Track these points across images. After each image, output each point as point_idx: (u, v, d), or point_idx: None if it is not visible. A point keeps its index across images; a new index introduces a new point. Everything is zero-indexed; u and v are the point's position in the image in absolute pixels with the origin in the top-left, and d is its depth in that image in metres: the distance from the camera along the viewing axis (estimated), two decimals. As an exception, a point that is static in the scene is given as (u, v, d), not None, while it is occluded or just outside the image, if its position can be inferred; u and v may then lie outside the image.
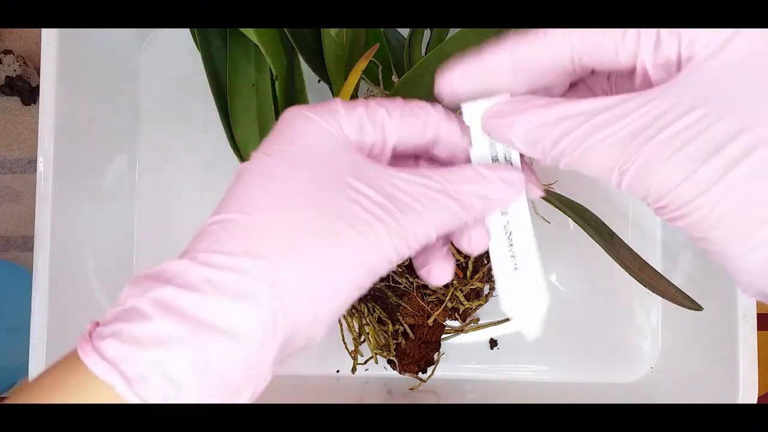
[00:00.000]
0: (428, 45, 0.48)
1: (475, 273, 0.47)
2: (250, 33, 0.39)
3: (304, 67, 0.45)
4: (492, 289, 0.50)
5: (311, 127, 0.25)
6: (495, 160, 0.27)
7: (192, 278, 0.23)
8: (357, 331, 0.50)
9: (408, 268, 0.47)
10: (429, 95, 0.40)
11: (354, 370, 0.50)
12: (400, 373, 0.49)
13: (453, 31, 0.43)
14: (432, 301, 0.46)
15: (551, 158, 0.25)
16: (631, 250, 0.44)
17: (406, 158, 0.29)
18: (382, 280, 0.47)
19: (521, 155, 0.27)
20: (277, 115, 0.44)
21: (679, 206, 0.23)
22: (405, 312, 0.47)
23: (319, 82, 0.46)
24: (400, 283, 0.47)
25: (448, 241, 0.29)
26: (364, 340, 0.49)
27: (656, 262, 0.53)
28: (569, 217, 0.45)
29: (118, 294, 0.24)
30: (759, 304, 0.45)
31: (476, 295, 0.48)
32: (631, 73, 0.25)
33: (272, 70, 0.42)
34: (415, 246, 0.25)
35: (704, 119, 0.22)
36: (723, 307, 0.45)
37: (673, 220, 0.24)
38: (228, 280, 0.23)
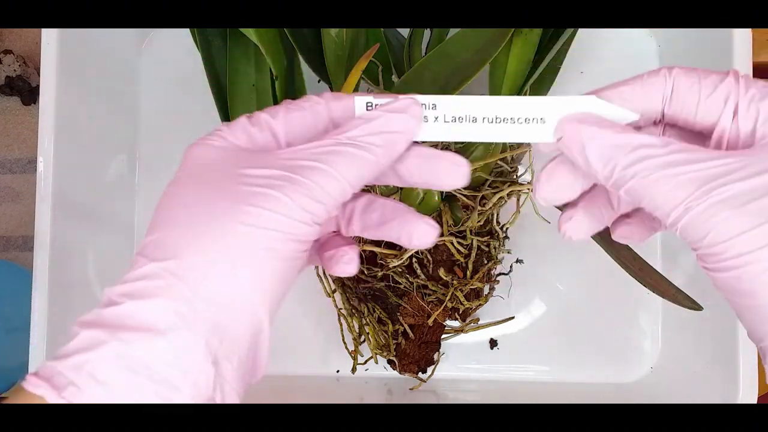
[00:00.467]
0: (428, 45, 0.48)
1: (475, 273, 0.47)
2: (250, 33, 0.39)
3: (304, 67, 0.45)
4: (492, 289, 0.50)
5: (198, 150, 0.27)
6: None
7: (112, 297, 0.25)
8: (357, 331, 0.50)
9: (408, 268, 0.47)
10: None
11: (354, 370, 0.50)
12: (400, 373, 0.49)
13: (453, 31, 0.43)
14: (432, 301, 0.46)
15: (617, 178, 0.25)
16: (631, 250, 0.44)
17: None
18: (381, 280, 0.47)
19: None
20: (277, 115, 0.44)
21: (731, 256, 0.24)
22: (405, 312, 0.47)
23: (319, 82, 0.46)
24: (400, 283, 0.47)
25: (353, 239, 0.30)
26: (364, 340, 0.49)
27: (656, 262, 0.53)
28: (569, 217, 0.45)
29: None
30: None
31: (476, 295, 0.48)
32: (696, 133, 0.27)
33: (272, 70, 0.42)
34: (332, 201, 0.26)
35: None
36: (723, 307, 0.45)
37: (717, 270, 0.24)
38: (140, 287, 0.24)
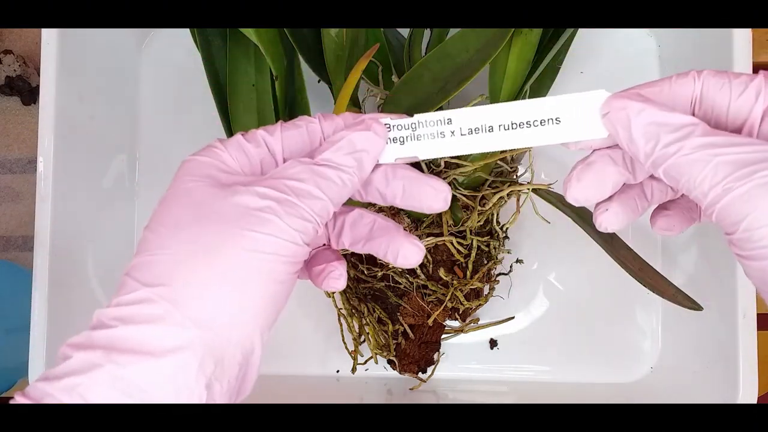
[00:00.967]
0: (428, 45, 0.48)
1: (475, 273, 0.47)
2: (250, 33, 0.39)
3: (304, 67, 0.45)
4: (492, 289, 0.50)
5: (190, 166, 0.28)
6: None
7: (103, 320, 0.25)
8: (357, 331, 0.50)
9: (408, 268, 0.47)
10: (428, 95, 0.40)
11: (354, 370, 0.50)
12: (400, 373, 0.49)
13: (453, 31, 0.43)
14: (432, 301, 0.46)
15: (658, 156, 0.25)
16: (631, 250, 0.44)
17: None
18: (381, 280, 0.47)
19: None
20: (277, 115, 0.44)
21: None
22: (405, 312, 0.47)
23: (319, 82, 0.46)
24: (400, 283, 0.47)
25: (335, 253, 0.31)
26: (364, 340, 0.49)
27: (656, 262, 0.53)
28: (569, 217, 0.45)
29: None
30: (759, 304, 0.45)
31: (476, 295, 0.48)
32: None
33: (272, 70, 0.42)
34: (317, 219, 0.26)
35: None
36: (723, 307, 0.45)
37: (751, 257, 0.24)
38: (133, 312, 0.24)
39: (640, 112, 0.26)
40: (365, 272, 0.47)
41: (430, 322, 0.47)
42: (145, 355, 0.23)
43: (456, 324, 0.49)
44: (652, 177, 0.29)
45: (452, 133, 0.29)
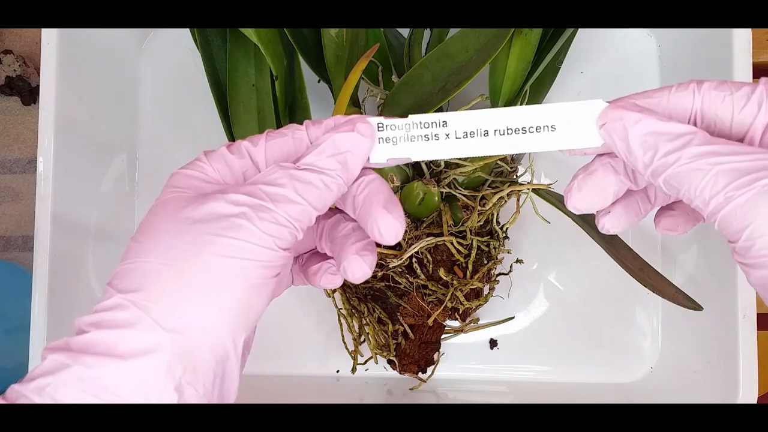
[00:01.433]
0: (428, 45, 0.48)
1: (475, 273, 0.47)
2: (250, 33, 0.39)
3: (304, 67, 0.45)
4: (492, 289, 0.50)
5: (175, 179, 0.28)
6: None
7: (81, 326, 0.25)
8: (357, 331, 0.50)
9: (408, 268, 0.47)
10: (428, 95, 0.40)
11: (354, 370, 0.50)
12: (400, 373, 0.49)
13: (453, 31, 0.43)
14: (432, 301, 0.46)
15: (657, 166, 0.25)
16: (631, 250, 0.44)
17: None
18: (381, 280, 0.47)
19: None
20: (277, 115, 0.44)
21: None
22: (405, 312, 0.47)
23: (319, 82, 0.46)
24: (400, 283, 0.47)
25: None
26: (364, 340, 0.49)
27: (656, 262, 0.53)
28: (569, 217, 0.45)
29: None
30: (759, 304, 0.45)
31: (476, 295, 0.48)
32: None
33: (272, 70, 0.42)
34: (294, 224, 0.26)
35: None
36: (723, 307, 0.45)
37: (754, 266, 0.24)
38: (106, 317, 0.25)
39: (637, 123, 0.26)
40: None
41: (430, 322, 0.47)
42: (112, 358, 0.24)
43: (456, 324, 0.49)
44: None
45: (447, 135, 0.29)
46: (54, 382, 0.24)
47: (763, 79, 0.26)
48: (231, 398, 0.27)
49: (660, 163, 0.25)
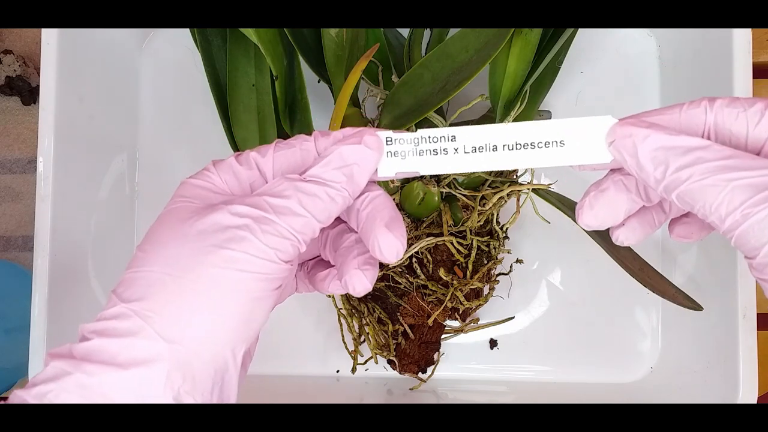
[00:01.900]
0: (428, 45, 0.48)
1: (475, 273, 0.47)
2: (250, 33, 0.39)
3: (304, 67, 0.45)
4: (492, 289, 0.50)
5: (183, 189, 0.28)
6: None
7: (84, 333, 0.26)
8: (357, 331, 0.50)
9: (408, 268, 0.47)
10: (428, 95, 0.40)
11: (354, 370, 0.50)
12: (400, 373, 0.49)
13: (453, 31, 0.43)
14: (432, 301, 0.46)
15: (669, 181, 0.25)
16: (631, 250, 0.44)
17: None
18: (381, 280, 0.47)
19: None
20: (277, 115, 0.44)
21: None
22: (405, 312, 0.47)
23: (319, 82, 0.46)
24: (400, 283, 0.47)
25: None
26: (364, 340, 0.49)
27: (656, 262, 0.53)
28: (569, 217, 0.45)
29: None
30: (759, 304, 0.45)
31: (476, 295, 0.48)
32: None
33: (272, 70, 0.42)
34: (297, 237, 0.26)
35: None
36: (723, 307, 0.45)
37: None
38: (109, 326, 0.25)
39: (646, 138, 0.26)
40: (365, 272, 0.47)
41: (430, 322, 0.47)
42: (112, 366, 0.24)
43: (456, 324, 0.49)
44: None
45: (455, 150, 0.29)
46: (55, 389, 0.24)
47: None
48: None
49: (672, 178, 0.25)
